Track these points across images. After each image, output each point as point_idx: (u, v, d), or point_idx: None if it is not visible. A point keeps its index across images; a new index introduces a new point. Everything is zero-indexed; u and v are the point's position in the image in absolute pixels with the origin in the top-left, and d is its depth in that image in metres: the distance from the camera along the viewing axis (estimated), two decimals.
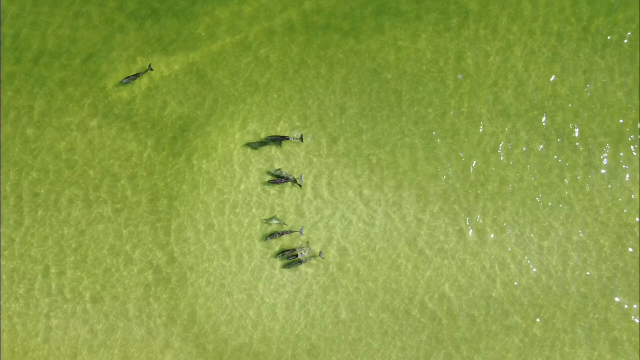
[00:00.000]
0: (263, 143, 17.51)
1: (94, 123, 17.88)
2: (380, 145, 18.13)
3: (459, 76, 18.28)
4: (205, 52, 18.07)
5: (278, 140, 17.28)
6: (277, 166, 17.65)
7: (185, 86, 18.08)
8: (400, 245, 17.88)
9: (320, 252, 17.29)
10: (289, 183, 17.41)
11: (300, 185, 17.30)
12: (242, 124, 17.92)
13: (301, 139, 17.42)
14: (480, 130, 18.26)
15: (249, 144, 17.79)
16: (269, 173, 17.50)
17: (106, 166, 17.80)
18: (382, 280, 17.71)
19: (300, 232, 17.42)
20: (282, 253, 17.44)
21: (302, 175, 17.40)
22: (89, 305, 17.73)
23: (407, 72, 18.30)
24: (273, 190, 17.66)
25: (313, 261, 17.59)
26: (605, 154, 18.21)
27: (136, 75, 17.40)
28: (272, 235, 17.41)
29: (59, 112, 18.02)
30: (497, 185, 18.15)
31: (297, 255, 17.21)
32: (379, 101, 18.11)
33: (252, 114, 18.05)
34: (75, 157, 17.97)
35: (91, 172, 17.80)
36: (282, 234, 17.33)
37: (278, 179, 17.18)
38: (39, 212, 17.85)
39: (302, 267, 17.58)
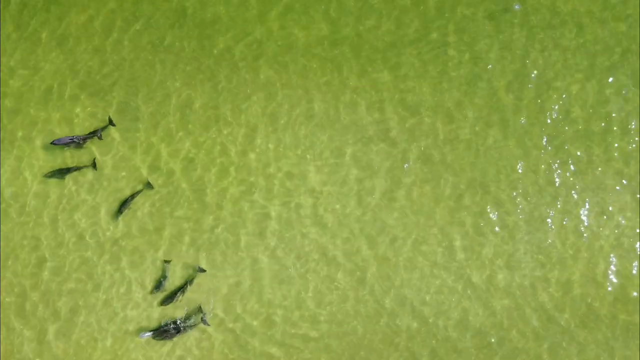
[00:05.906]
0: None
1: None
2: None
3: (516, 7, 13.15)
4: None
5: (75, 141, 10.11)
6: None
7: None
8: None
9: (202, 316, 10.37)
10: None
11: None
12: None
13: (99, 135, 10.04)
14: None
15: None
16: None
17: None
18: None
19: (199, 270, 10.56)
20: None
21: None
22: None
23: None
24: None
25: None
26: None
27: None
28: (168, 298, 10.65)
29: None
30: None
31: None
32: None
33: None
34: None
35: None
36: (181, 292, 10.58)
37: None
38: None
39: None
